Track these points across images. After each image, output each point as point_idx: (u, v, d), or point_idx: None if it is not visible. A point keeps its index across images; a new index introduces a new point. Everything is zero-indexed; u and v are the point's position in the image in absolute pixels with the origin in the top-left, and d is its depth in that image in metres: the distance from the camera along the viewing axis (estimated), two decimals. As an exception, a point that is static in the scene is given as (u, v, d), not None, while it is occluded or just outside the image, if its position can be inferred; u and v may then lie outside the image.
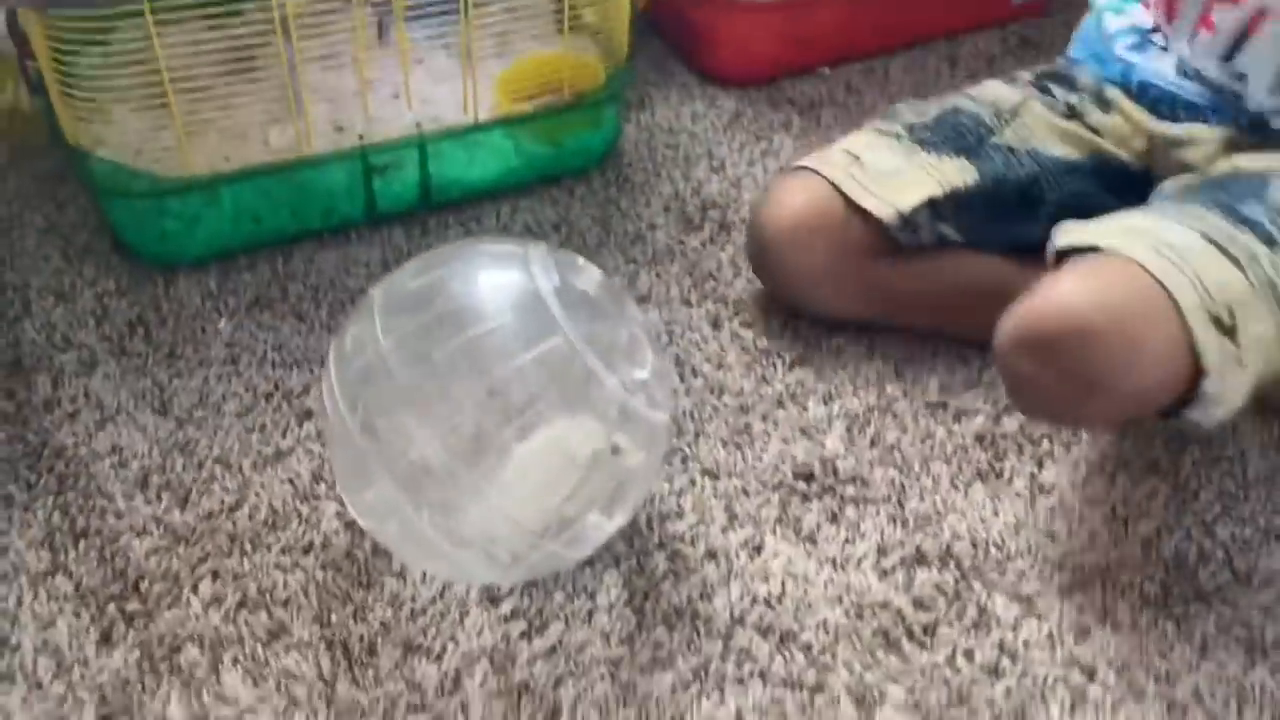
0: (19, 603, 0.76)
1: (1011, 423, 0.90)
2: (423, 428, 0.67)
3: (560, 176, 1.12)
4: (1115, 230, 0.77)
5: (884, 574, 0.80)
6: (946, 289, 0.94)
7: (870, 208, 0.90)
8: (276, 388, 0.91)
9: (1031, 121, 0.95)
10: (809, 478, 0.86)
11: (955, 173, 0.92)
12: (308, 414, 0.89)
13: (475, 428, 0.67)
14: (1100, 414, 0.78)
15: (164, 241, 0.99)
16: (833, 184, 0.91)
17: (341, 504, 0.82)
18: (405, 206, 1.06)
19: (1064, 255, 0.78)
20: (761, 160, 1.17)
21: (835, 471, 0.87)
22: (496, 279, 0.70)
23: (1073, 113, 0.95)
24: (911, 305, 0.95)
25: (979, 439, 0.89)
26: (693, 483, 0.86)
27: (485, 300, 0.68)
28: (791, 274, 0.94)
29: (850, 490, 0.85)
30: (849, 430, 0.90)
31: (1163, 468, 0.87)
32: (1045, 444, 0.89)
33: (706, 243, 1.07)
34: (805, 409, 0.92)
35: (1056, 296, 0.73)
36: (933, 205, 0.91)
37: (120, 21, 0.90)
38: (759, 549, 0.81)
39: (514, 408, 0.66)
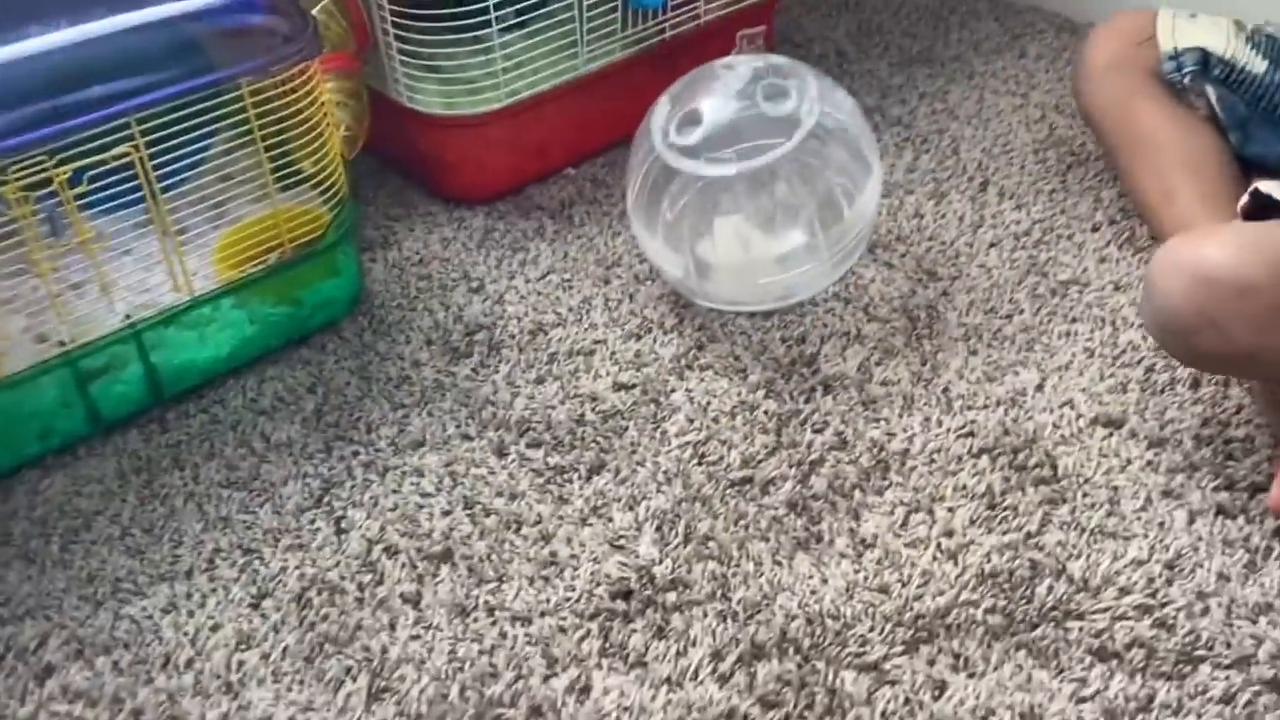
0: None
1: (819, 481, 0.86)
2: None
3: (309, 334, 1.04)
4: None
5: (724, 680, 0.73)
6: (1161, 143, 0.95)
7: (1158, 29, 0.96)
8: (8, 648, 0.78)
9: None
10: (627, 595, 0.79)
11: (1245, 51, 0.94)
12: (48, 670, 0.77)
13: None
14: None
15: None
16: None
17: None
18: (135, 406, 0.96)
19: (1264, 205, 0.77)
20: (521, 271, 1.11)
21: (653, 580, 0.80)
22: None
23: None
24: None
25: (791, 506, 0.84)
26: (504, 635, 0.77)
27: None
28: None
29: (672, 597, 0.79)
30: (659, 530, 0.84)
31: (976, 490, 0.84)
32: (856, 495, 0.85)
33: (478, 368, 1.00)
34: (610, 520, 0.85)
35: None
36: (1206, 58, 0.93)
37: None
38: (587, 690, 0.73)
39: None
